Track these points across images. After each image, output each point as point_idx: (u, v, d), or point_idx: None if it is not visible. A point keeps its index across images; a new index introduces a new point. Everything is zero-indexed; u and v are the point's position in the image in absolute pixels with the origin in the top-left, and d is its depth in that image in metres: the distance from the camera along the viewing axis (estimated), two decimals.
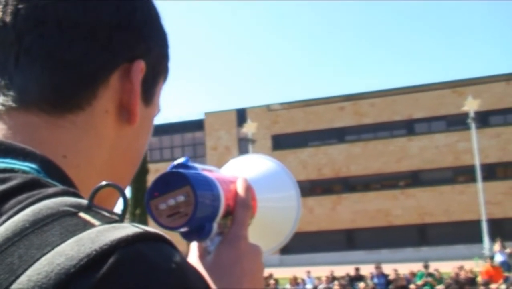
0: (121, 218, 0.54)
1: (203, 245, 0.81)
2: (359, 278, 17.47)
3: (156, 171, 28.21)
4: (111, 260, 0.46)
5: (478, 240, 30.34)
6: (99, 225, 0.51)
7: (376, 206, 38.95)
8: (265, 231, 0.95)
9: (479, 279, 15.08)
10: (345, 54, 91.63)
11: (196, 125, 44.76)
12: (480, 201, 29.71)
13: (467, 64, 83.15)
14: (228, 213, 0.81)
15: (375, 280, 16.69)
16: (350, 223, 39.32)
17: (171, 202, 0.73)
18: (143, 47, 0.72)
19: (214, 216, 0.78)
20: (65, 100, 0.67)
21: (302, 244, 38.58)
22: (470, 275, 15.83)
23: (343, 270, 18.75)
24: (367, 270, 18.50)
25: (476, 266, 21.21)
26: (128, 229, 0.50)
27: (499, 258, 20.79)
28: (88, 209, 0.53)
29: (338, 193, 40.15)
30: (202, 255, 0.80)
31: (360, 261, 25.09)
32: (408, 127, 39.60)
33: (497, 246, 21.58)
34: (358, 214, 39.22)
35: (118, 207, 0.70)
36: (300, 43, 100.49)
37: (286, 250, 39.05)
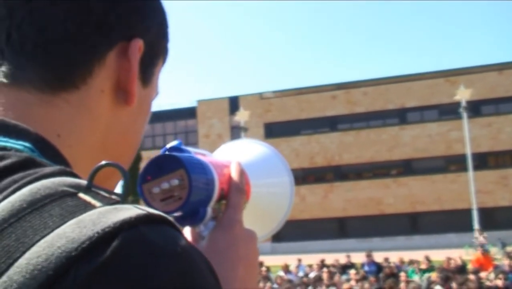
0: (122, 199, 0.51)
1: (196, 230, 0.79)
2: (350, 266, 17.54)
3: (148, 158, 28.13)
4: (114, 244, 0.44)
5: (469, 228, 30.55)
6: (100, 206, 0.48)
7: (368, 195, 39.07)
8: (258, 216, 0.94)
9: (470, 267, 15.18)
10: (338, 42, 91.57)
11: (189, 113, 44.67)
12: (471, 189, 29.87)
13: (460, 54, 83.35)
14: (222, 197, 0.80)
15: (366, 268, 16.77)
16: (342, 211, 39.45)
17: (165, 185, 0.71)
18: (141, 25, 0.69)
19: (208, 200, 0.76)
20: (60, 78, 0.64)
21: (294, 232, 38.70)
22: (459, 263, 15.93)
23: (335, 258, 18.80)
24: (358, 258, 18.58)
25: (466, 255, 21.36)
26: (130, 210, 0.47)
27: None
28: (87, 189, 0.51)
29: (330, 181, 40.23)
30: (196, 240, 0.79)
31: (352, 249, 25.22)
32: (401, 116, 39.65)
33: (479, 235, 21.90)
34: (350, 202, 39.34)
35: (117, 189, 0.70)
36: (293, 32, 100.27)
37: (278, 237, 39.18)
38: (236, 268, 0.74)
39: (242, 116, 34.22)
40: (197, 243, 0.78)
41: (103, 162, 0.54)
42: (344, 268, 16.87)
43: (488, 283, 11.16)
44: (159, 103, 43.68)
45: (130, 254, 0.44)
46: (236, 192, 0.81)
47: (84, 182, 0.52)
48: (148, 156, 36.72)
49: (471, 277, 11.51)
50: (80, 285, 0.42)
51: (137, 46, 0.67)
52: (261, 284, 13.25)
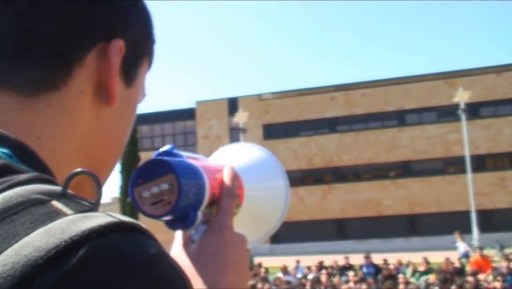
0: (94, 207, 0.51)
1: (187, 234, 0.80)
2: (348, 267, 17.54)
3: (147, 159, 28.21)
4: (81, 252, 0.44)
5: (467, 230, 30.53)
6: (71, 214, 0.48)
7: (366, 196, 39.07)
8: (252, 220, 0.94)
9: (468, 269, 15.18)
10: (337, 44, 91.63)
11: (188, 114, 44.64)
12: (470, 191, 29.86)
13: (459, 56, 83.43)
14: (214, 201, 0.80)
15: (364, 270, 16.78)
16: (340, 213, 39.44)
17: (155, 189, 0.72)
18: (122, 25, 0.69)
19: (199, 204, 0.77)
20: (39, 80, 0.64)
21: (292, 233, 38.66)
22: (458, 265, 15.95)
23: (333, 259, 18.77)
24: (357, 259, 18.57)
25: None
26: (100, 218, 0.47)
27: (462, 248, 21.18)
28: (61, 196, 0.51)
29: (329, 182, 40.23)
30: (187, 244, 0.79)
31: (350, 251, 25.17)
32: (399, 118, 39.67)
33: (458, 238, 21.97)
34: (348, 203, 39.33)
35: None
36: (292, 33, 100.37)
37: (276, 239, 39.16)
38: (225, 272, 0.74)
39: (241, 117, 34.18)
40: (188, 246, 0.78)
41: (78, 169, 0.54)
42: (343, 270, 16.87)
43: (486, 285, 11.16)
44: (158, 105, 43.70)
45: (97, 262, 0.44)
46: (227, 196, 0.81)
47: (58, 189, 0.52)
48: (146, 156, 36.65)
49: (470, 279, 11.53)
50: None
51: (118, 46, 0.67)
52: (259, 285, 13.24)
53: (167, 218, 0.74)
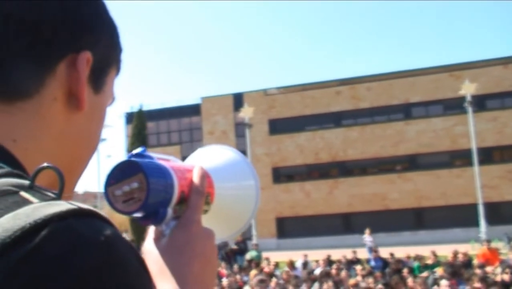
0: (57, 196, 0.58)
1: (159, 229, 0.86)
2: (356, 261, 17.55)
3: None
4: (43, 233, 0.51)
5: (475, 223, 30.50)
6: (36, 203, 0.56)
7: (373, 190, 39.05)
8: (224, 217, 1.01)
9: (475, 262, 15.14)
10: (341, 38, 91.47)
11: (193, 110, 44.69)
12: (477, 184, 29.81)
13: (465, 48, 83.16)
14: (184, 199, 0.86)
15: (372, 263, 16.79)
16: (347, 207, 39.44)
17: (126, 188, 0.78)
18: (90, 39, 0.76)
19: (168, 201, 0.82)
20: (14, 89, 0.71)
21: (299, 228, 38.73)
22: (465, 258, 15.90)
23: (340, 253, 18.79)
24: (364, 253, 18.60)
25: (472, 249, 21.32)
26: (62, 205, 0.55)
27: (368, 244, 21.49)
28: (29, 188, 0.59)
29: (335, 177, 40.22)
30: (158, 238, 0.86)
31: (357, 245, 25.17)
32: (405, 111, 39.59)
33: (367, 233, 22.25)
34: (355, 198, 39.32)
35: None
36: (297, 28, 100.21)
37: (283, 233, 39.22)
38: (191, 263, 0.81)
39: (246, 112, 34.17)
40: (159, 240, 0.85)
41: (44, 164, 0.61)
42: (350, 264, 16.87)
43: (494, 278, 11.12)
44: (164, 101, 43.74)
45: (56, 241, 0.51)
46: (195, 194, 0.87)
47: (27, 182, 0.60)
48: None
49: (477, 271, 11.50)
50: (11, 268, 0.49)
51: (85, 57, 0.74)
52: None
53: (138, 214, 0.80)
